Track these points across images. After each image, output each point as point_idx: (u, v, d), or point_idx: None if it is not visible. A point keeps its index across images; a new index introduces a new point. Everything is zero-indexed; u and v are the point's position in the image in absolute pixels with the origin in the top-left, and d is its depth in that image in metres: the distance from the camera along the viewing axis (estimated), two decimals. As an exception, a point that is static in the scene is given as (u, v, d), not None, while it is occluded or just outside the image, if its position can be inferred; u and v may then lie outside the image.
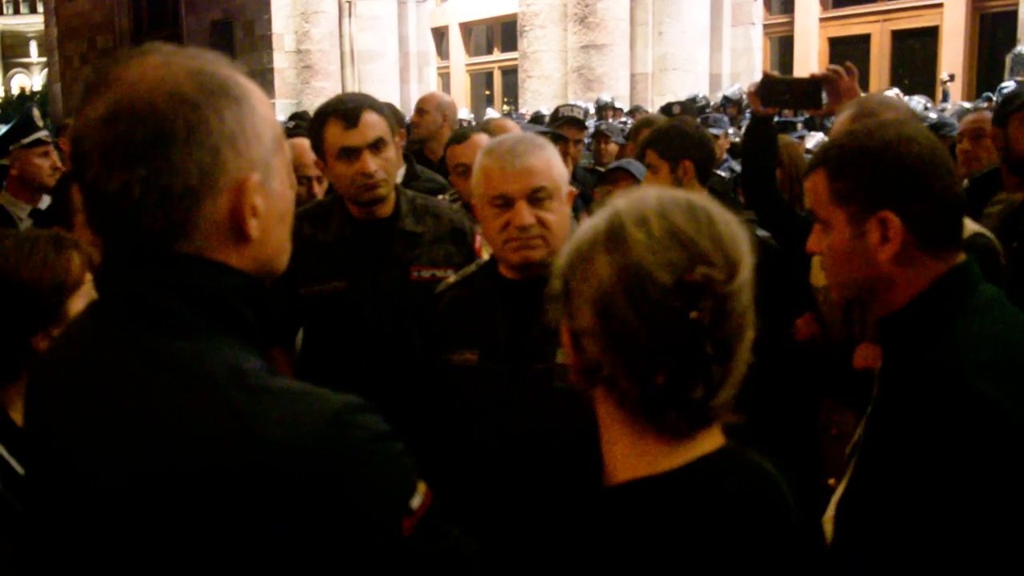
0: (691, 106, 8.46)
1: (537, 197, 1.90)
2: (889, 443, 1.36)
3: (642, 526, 1.02)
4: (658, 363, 1.01)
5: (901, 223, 1.39)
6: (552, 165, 1.96)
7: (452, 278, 2.27)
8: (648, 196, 1.06)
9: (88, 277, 1.69)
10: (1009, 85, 7.49)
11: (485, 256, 2.91)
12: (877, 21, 10.70)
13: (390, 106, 3.41)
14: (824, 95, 2.55)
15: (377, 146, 2.47)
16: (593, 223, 1.07)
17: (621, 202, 1.07)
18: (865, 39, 10.75)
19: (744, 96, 7.53)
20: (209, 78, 1.00)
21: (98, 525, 0.98)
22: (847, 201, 1.44)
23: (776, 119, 4.15)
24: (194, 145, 0.96)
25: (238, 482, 0.90)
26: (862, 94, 2.52)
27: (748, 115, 7.92)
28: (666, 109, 7.88)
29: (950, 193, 1.42)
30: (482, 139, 3.36)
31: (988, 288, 1.45)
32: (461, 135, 3.47)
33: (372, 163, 2.44)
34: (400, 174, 3.93)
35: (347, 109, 2.47)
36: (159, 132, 0.95)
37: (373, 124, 2.49)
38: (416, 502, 1.01)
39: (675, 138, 3.15)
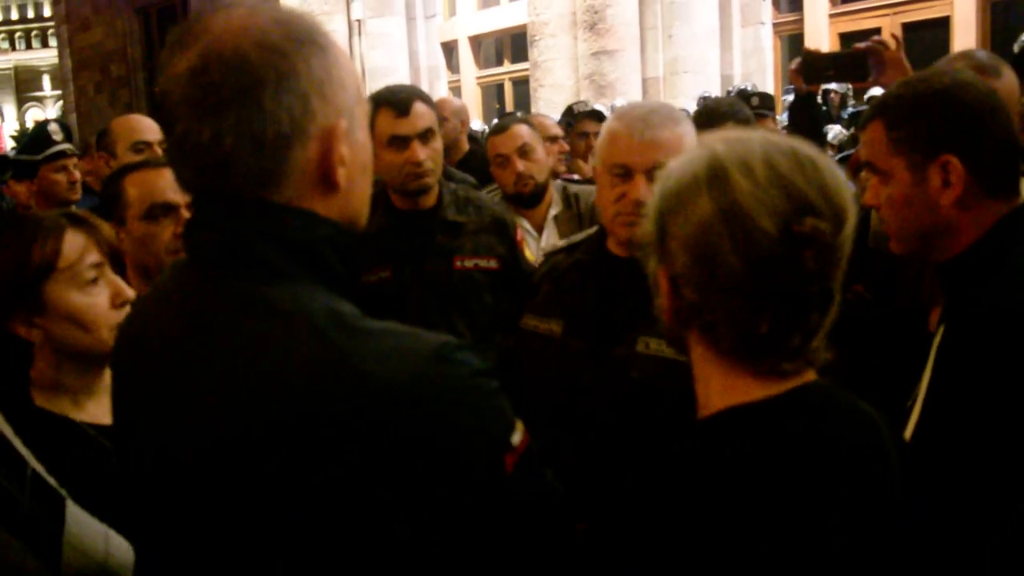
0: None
1: (657, 175, 1.85)
2: (957, 384, 1.37)
3: (739, 452, 1.02)
4: (761, 310, 1.01)
5: (963, 167, 1.41)
6: (685, 143, 1.84)
7: (562, 242, 2.22)
8: (751, 140, 1.05)
9: (89, 261, 1.65)
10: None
11: (527, 251, 2.92)
12: (887, 15, 10.69)
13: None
14: (870, 67, 2.55)
15: (426, 136, 2.52)
16: (690, 166, 1.06)
17: (720, 145, 1.06)
18: (876, 33, 10.74)
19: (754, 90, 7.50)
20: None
21: (205, 478, 0.98)
22: (907, 149, 1.45)
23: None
24: (284, 91, 0.98)
25: (347, 420, 0.91)
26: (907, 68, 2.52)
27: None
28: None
29: (1009, 135, 1.44)
30: (522, 130, 3.38)
31: None
32: (501, 126, 3.49)
33: (421, 152, 2.49)
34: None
35: (399, 99, 2.53)
36: (249, 79, 0.97)
37: (423, 114, 2.53)
38: (516, 439, 1.01)
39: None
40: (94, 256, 1.67)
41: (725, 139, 1.07)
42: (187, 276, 1.09)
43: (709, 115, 3.16)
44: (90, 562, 1.52)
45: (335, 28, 13.90)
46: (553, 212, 3.43)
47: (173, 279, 1.13)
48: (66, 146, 4.10)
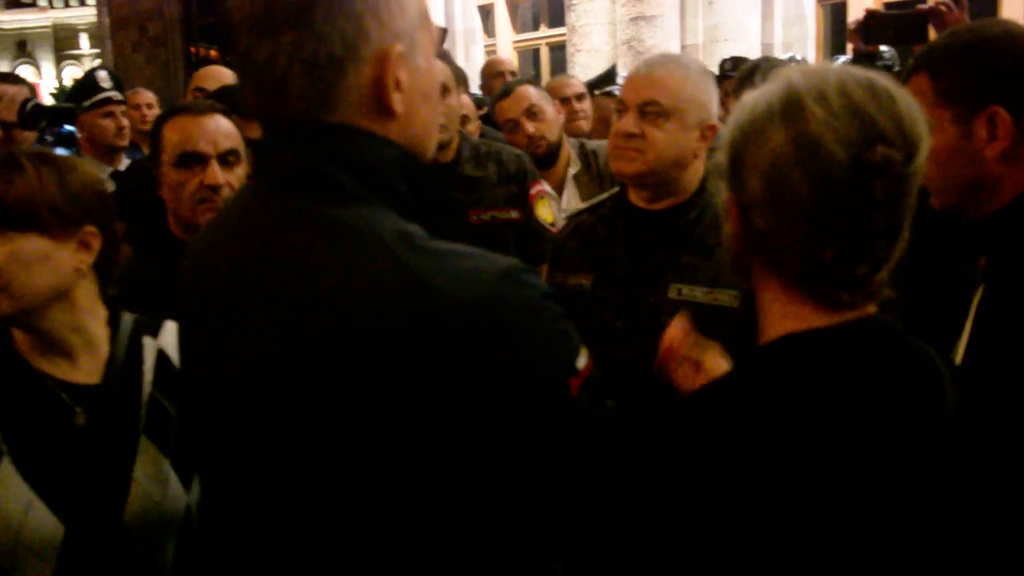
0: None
1: (647, 111, 1.88)
2: (1003, 339, 1.35)
3: (796, 379, 1.03)
4: (827, 238, 1.02)
5: (1011, 119, 1.38)
6: (685, 87, 1.90)
7: (585, 204, 2.28)
8: (827, 71, 1.05)
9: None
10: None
11: (538, 209, 2.93)
12: (934, -16, 10.44)
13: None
14: (931, 30, 2.50)
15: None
16: (765, 97, 1.07)
17: (796, 76, 1.06)
18: (922, 2, 10.48)
19: (803, 60, 7.38)
20: None
21: (285, 406, 1.00)
22: (953, 100, 1.42)
23: None
24: (337, 13, 0.98)
25: (421, 338, 0.92)
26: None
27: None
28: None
29: (1060, 88, 1.40)
30: (528, 91, 3.38)
31: None
32: (506, 90, 3.50)
33: None
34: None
35: None
36: (303, 0, 0.97)
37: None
38: (581, 363, 1.02)
39: None
40: None
41: (802, 70, 1.07)
42: (256, 199, 1.10)
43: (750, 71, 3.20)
44: (4, 527, 1.47)
45: (372, -11, 13.80)
46: (572, 171, 3.43)
47: (241, 203, 1.14)
48: (113, 93, 4.14)
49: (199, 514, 1.54)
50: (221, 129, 2.18)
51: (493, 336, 0.95)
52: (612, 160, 1.94)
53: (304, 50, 0.98)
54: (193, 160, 2.16)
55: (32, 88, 3.72)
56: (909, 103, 1.04)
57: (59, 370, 1.62)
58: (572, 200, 3.34)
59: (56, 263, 1.55)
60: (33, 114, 2.83)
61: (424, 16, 1.09)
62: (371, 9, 1.01)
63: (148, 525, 1.57)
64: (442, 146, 2.64)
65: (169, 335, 1.73)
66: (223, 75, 3.96)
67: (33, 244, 1.52)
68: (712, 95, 1.96)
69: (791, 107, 1.03)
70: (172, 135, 2.18)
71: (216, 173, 2.14)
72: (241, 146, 2.19)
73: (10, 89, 2.88)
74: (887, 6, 10.61)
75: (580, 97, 4.34)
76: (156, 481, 1.59)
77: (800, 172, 1.01)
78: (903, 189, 1.02)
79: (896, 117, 1.01)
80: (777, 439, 1.00)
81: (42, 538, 1.48)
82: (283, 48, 0.99)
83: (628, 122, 1.87)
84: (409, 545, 1.01)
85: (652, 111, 1.87)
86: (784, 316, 1.09)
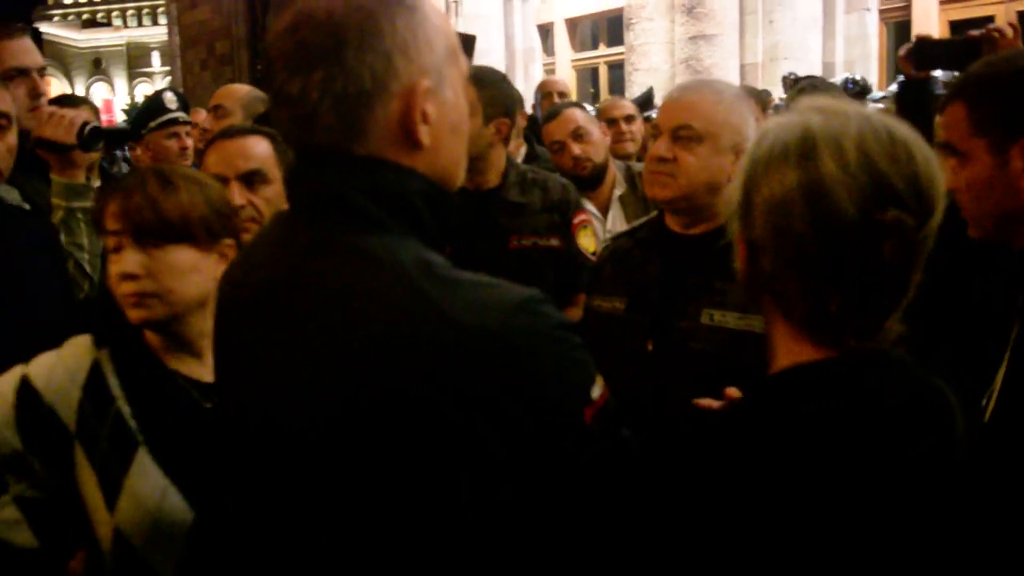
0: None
1: (680, 135, 1.87)
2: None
3: (801, 403, 1.03)
4: (832, 290, 1.01)
5: (1048, 149, 1.35)
6: (718, 111, 1.88)
7: (626, 227, 2.28)
8: (848, 117, 1.03)
9: None
10: None
11: (585, 236, 2.93)
12: (1002, 2, 10.22)
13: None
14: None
15: None
16: (783, 136, 1.05)
17: (816, 117, 1.04)
18: (988, 21, 10.26)
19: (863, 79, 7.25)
20: None
21: (302, 407, 1.03)
22: (989, 129, 1.39)
23: None
24: (367, 50, 1.02)
25: (437, 362, 0.94)
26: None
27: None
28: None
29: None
30: (574, 114, 3.39)
31: None
32: (553, 112, 3.51)
33: None
34: (521, 154, 4.04)
35: None
36: (335, 38, 1.01)
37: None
38: (596, 392, 1.03)
39: None
40: None
41: (822, 110, 1.05)
42: (287, 225, 1.15)
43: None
44: (142, 511, 1.57)
45: (432, 9, 13.95)
46: (618, 192, 3.43)
47: (275, 227, 1.18)
48: (179, 114, 4.25)
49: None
50: (244, 151, 2.21)
51: (508, 364, 0.96)
52: (647, 185, 1.94)
53: (334, 85, 1.02)
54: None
55: (95, 108, 3.83)
56: (928, 161, 1.02)
57: (189, 368, 1.73)
58: (617, 221, 3.35)
59: (203, 273, 1.68)
60: (91, 136, 2.92)
61: (452, 51, 1.12)
62: (399, 46, 1.04)
63: None
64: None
65: None
66: (238, 92, 4.13)
67: (186, 255, 1.65)
68: (748, 118, 1.94)
69: (806, 153, 1.01)
70: (206, 159, 2.26)
71: (233, 194, 2.17)
72: (271, 167, 2.22)
73: (69, 112, 2.97)
74: (952, 25, 10.42)
75: (629, 119, 4.34)
76: None
77: (808, 221, 1.00)
78: (913, 251, 1.00)
79: (913, 179, 0.99)
80: (783, 458, 1.00)
81: (174, 522, 1.59)
82: (314, 83, 1.03)
83: (661, 146, 1.87)
84: (425, 569, 1.02)
85: (685, 135, 1.85)
86: (790, 352, 1.08)
